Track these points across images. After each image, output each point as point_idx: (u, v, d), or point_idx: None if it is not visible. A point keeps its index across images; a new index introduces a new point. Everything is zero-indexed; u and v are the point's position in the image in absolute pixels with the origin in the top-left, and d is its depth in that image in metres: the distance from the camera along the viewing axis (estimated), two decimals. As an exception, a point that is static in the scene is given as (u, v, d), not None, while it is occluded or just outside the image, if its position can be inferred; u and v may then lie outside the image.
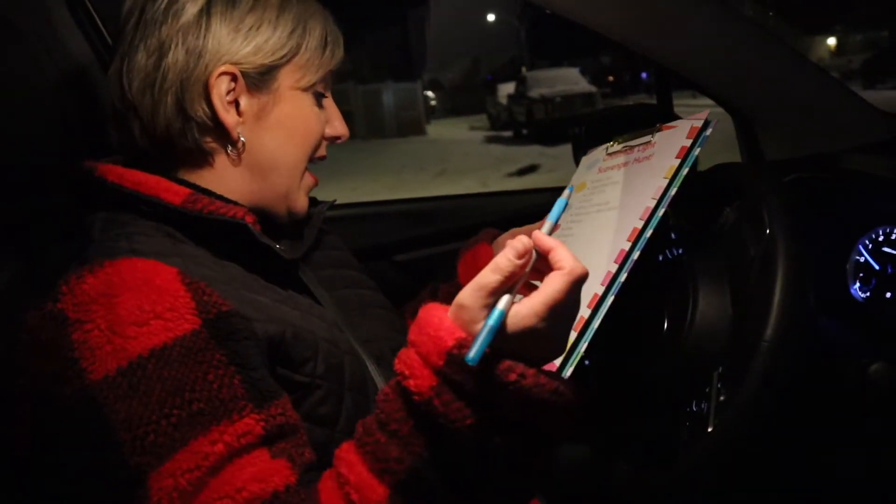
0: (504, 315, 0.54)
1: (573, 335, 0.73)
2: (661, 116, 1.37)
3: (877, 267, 1.02)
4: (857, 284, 1.04)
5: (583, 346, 0.73)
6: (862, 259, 1.04)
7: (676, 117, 1.33)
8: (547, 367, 0.71)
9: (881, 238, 1.02)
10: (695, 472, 0.74)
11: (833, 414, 0.94)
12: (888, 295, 0.99)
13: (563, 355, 0.72)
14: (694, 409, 0.80)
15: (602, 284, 0.75)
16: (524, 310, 0.54)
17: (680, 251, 0.91)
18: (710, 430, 0.74)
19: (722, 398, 0.75)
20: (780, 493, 1.03)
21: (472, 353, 0.51)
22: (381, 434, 0.57)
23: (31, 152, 0.93)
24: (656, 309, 0.87)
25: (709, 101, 1.24)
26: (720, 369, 0.78)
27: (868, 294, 1.02)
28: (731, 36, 1.14)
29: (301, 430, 0.64)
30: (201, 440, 0.57)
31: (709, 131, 0.80)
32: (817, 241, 1.08)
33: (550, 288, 0.54)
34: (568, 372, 0.72)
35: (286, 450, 0.61)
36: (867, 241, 1.04)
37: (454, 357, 0.53)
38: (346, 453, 0.59)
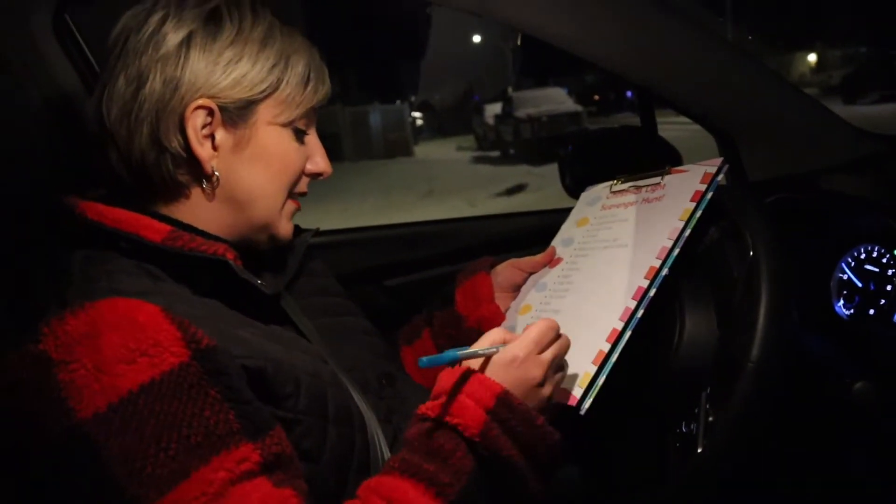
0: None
1: (592, 368, 0.74)
2: (646, 139, 1.40)
3: (859, 284, 1.03)
4: (841, 302, 1.06)
5: (601, 379, 0.75)
6: (845, 277, 1.06)
7: (661, 140, 1.36)
8: (569, 402, 0.75)
9: (863, 256, 1.04)
10: (686, 492, 0.75)
11: (818, 432, 0.95)
12: (871, 311, 1.00)
13: (584, 389, 0.74)
14: (683, 429, 0.81)
15: (621, 320, 0.77)
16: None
17: (665, 272, 0.91)
18: (699, 450, 0.74)
19: (710, 419, 0.76)
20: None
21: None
22: (430, 464, 0.64)
23: (16, 182, 0.92)
24: (644, 330, 0.87)
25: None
26: (708, 390, 0.78)
27: (852, 311, 1.03)
28: (709, 57, 1.16)
29: (295, 462, 0.64)
30: (203, 469, 0.57)
31: (721, 177, 0.83)
32: (800, 260, 1.10)
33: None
34: (587, 404, 0.74)
35: (287, 479, 0.61)
36: (850, 259, 1.05)
37: (502, 399, 0.66)
38: (391, 481, 0.64)
